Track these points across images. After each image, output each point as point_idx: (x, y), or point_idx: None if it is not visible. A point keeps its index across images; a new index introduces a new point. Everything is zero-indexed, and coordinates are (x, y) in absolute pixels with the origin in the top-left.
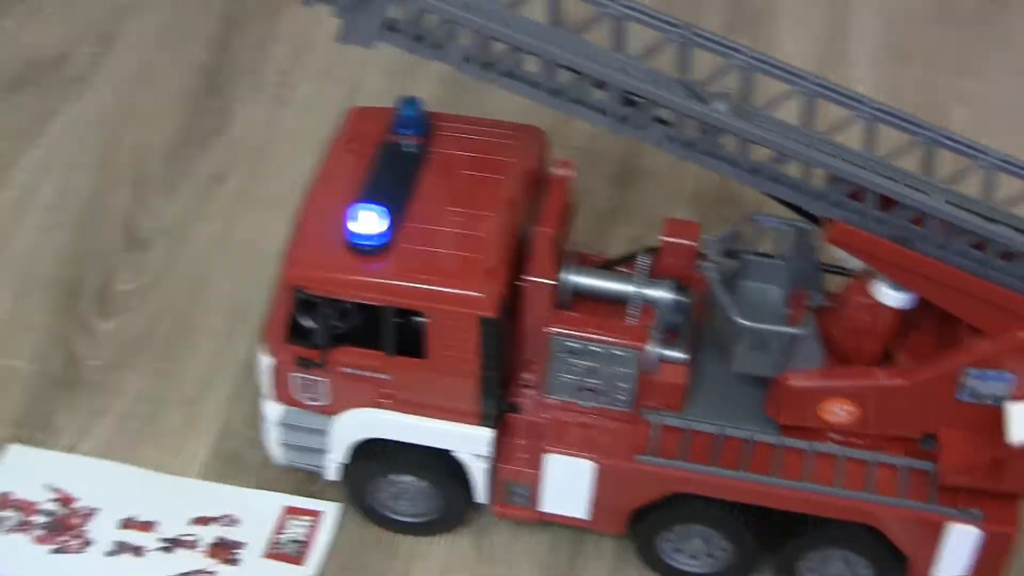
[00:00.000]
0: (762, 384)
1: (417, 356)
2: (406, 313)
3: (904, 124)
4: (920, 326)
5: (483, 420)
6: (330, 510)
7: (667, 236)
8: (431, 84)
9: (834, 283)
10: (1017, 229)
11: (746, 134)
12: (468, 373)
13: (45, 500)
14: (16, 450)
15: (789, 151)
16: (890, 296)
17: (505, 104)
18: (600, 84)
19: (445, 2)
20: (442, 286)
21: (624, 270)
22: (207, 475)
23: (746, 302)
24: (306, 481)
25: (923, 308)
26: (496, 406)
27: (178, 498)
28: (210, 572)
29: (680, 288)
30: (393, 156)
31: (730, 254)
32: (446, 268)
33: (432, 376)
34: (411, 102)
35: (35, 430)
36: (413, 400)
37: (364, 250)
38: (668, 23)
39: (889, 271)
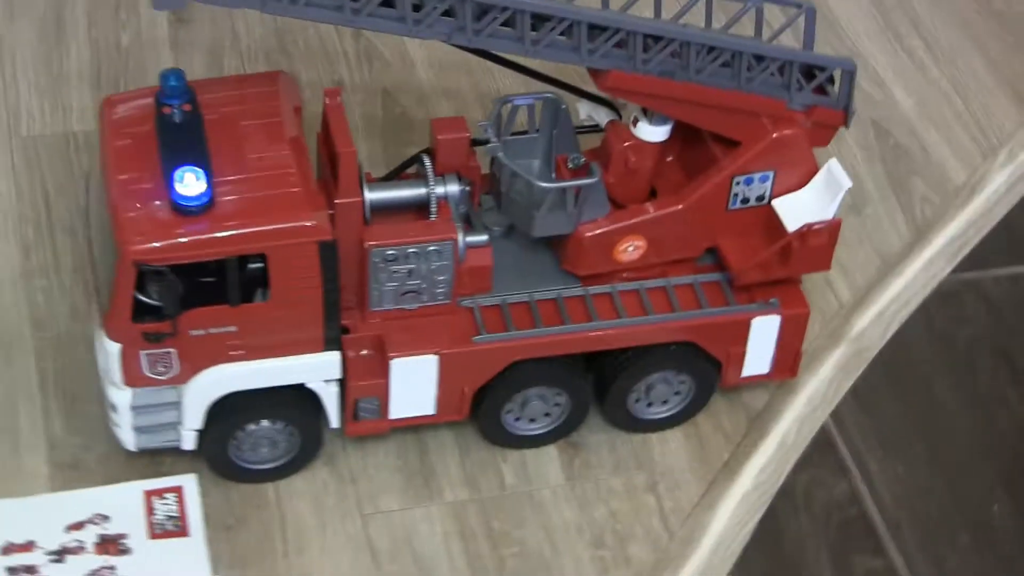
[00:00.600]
0: (548, 248)
1: (260, 300)
2: (244, 261)
3: None
4: (665, 167)
5: (328, 345)
6: (188, 481)
7: (439, 135)
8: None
9: (585, 143)
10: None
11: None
12: (312, 301)
13: None
14: None
15: (567, 13)
16: (651, 131)
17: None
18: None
19: None
20: (278, 223)
21: (408, 177)
22: (55, 487)
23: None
24: (149, 464)
25: (664, 149)
26: (338, 329)
27: (44, 514)
28: (110, 567)
29: (462, 179)
30: (172, 126)
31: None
32: (273, 208)
33: (277, 315)
34: (176, 73)
35: None
36: (261, 344)
37: (191, 211)
38: None
39: (658, 105)
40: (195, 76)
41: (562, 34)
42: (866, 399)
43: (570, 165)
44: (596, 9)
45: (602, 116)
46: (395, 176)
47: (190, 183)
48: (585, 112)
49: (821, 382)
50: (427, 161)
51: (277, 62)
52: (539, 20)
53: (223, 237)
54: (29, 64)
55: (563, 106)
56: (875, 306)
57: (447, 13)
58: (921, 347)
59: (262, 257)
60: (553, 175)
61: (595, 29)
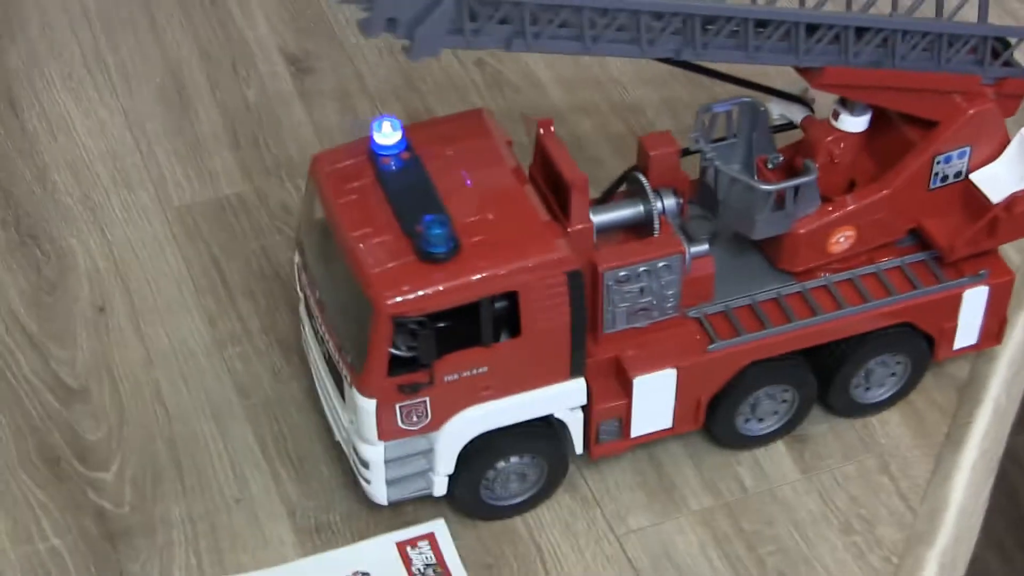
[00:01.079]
0: (755, 249)
1: (513, 336)
2: (493, 300)
3: None
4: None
5: (574, 372)
6: (438, 527)
7: (652, 151)
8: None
9: (780, 141)
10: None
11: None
12: (560, 331)
13: None
14: None
15: (787, 16)
16: (853, 123)
17: None
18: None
19: None
20: (528, 260)
21: (622, 197)
22: (306, 552)
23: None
24: (393, 516)
25: (862, 139)
26: (583, 356)
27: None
28: None
29: (676, 192)
30: (396, 176)
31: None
32: (518, 244)
33: (527, 349)
34: (391, 119)
35: None
36: (510, 381)
37: (440, 258)
38: None
39: (865, 95)
40: (331, 124)
41: (781, 38)
42: None
43: (769, 165)
44: (811, 10)
45: (796, 114)
46: (608, 197)
47: (436, 231)
48: (778, 112)
49: (1017, 344)
50: (643, 178)
51: (408, 99)
52: (760, 26)
53: (476, 280)
54: (162, 134)
55: (762, 108)
56: None
57: (676, 32)
58: None
59: (512, 294)
60: (755, 177)
61: (812, 28)
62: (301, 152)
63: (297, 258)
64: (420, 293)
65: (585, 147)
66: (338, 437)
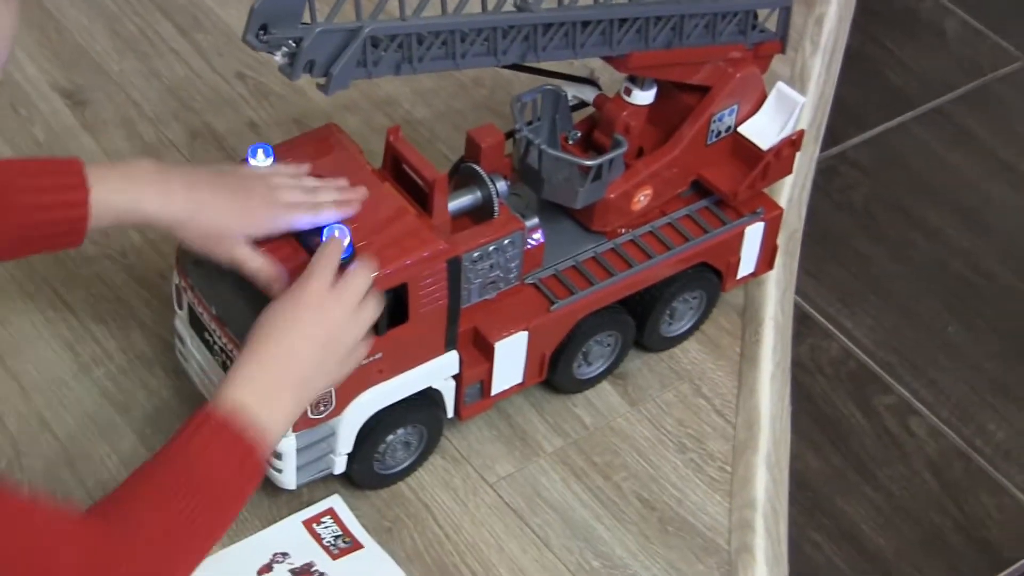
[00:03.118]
0: (567, 216)
1: (400, 323)
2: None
3: None
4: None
5: (448, 346)
6: (336, 502)
7: (483, 143)
8: None
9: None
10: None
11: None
12: (440, 313)
13: None
14: None
15: (605, 14)
16: (644, 96)
17: None
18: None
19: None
20: (415, 254)
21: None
22: (224, 543)
23: None
24: (290, 499)
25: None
26: (456, 331)
27: (232, 567)
28: None
29: (504, 176)
30: None
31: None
32: (402, 242)
33: (413, 332)
34: (264, 146)
35: None
36: (399, 362)
37: (342, 264)
38: None
39: (656, 72)
40: (118, 150)
41: (600, 35)
42: (814, 271)
43: (570, 141)
44: (621, 5)
45: (588, 94)
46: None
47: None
48: (571, 93)
49: (777, 270)
50: (479, 168)
51: (188, 119)
52: (583, 26)
53: (375, 279)
54: None
55: (562, 93)
56: (784, 194)
57: (524, 40)
58: (832, 217)
59: (401, 286)
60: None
61: (621, 23)
62: None
63: (177, 280)
64: None
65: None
66: None
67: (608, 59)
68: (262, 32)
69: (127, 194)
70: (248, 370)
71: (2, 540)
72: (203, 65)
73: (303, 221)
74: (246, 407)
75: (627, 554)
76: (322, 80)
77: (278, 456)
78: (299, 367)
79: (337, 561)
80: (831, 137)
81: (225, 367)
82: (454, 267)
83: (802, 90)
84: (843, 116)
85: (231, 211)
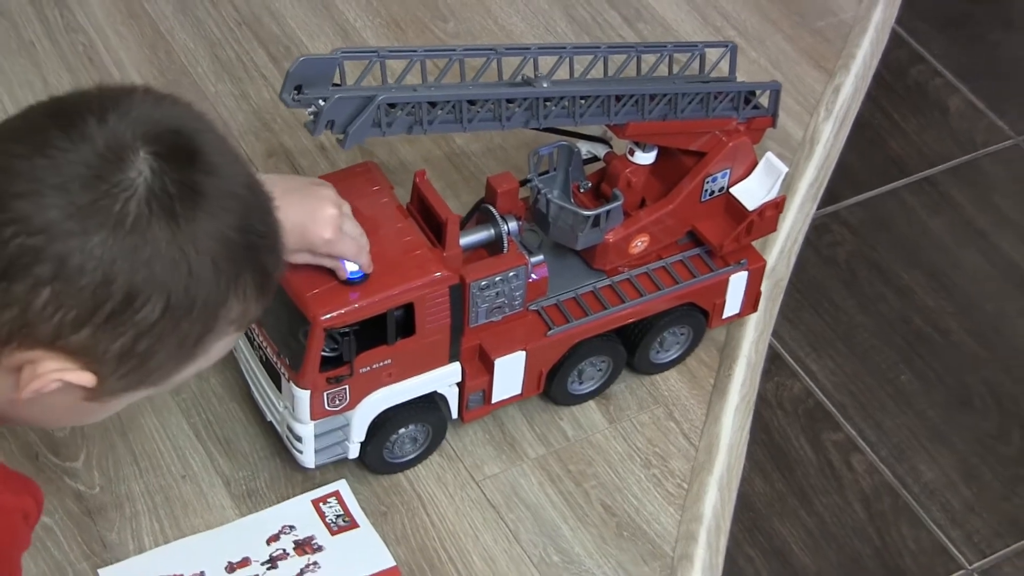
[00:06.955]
0: (575, 255)
1: (408, 335)
2: (394, 310)
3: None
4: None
5: (452, 358)
6: (341, 486)
7: (499, 188)
8: None
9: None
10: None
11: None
12: (444, 329)
13: None
14: (107, 571)
15: (605, 91)
16: (645, 157)
17: None
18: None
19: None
20: (420, 278)
21: (479, 223)
22: (242, 513)
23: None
24: (306, 479)
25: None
26: (459, 345)
27: (247, 535)
28: (313, 563)
29: (516, 216)
30: None
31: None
32: (411, 268)
33: (419, 344)
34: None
35: (102, 553)
36: (407, 368)
37: (356, 283)
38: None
39: (654, 139)
40: None
41: (599, 107)
42: (792, 317)
43: (582, 190)
44: (620, 81)
45: (599, 150)
46: (468, 220)
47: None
48: (585, 149)
49: (759, 312)
50: (493, 209)
51: (267, 138)
52: (583, 99)
53: (384, 297)
54: None
55: (575, 149)
56: (777, 246)
57: (526, 109)
58: (816, 270)
59: (409, 305)
60: (572, 200)
61: (619, 98)
62: None
63: None
64: (344, 310)
65: (412, 169)
66: (269, 419)
67: (611, 127)
68: (296, 92)
69: None
70: None
71: None
72: None
73: (348, 254)
74: None
75: (584, 552)
76: (340, 136)
77: (299, 439)
78: None
79: (335, 537)
80: (829, 196)
81: (263, 361)
82: (456, 292)
83: (810, 151)
84: (843, 178)
85: (300, 211)
